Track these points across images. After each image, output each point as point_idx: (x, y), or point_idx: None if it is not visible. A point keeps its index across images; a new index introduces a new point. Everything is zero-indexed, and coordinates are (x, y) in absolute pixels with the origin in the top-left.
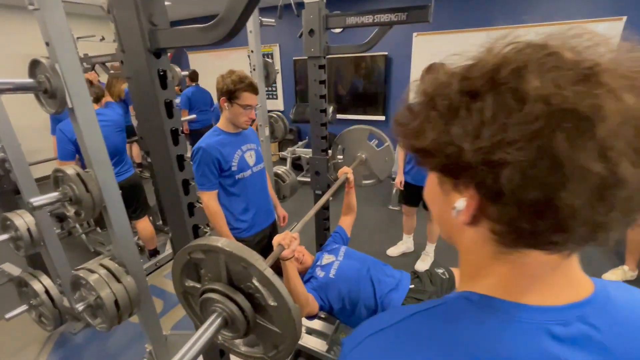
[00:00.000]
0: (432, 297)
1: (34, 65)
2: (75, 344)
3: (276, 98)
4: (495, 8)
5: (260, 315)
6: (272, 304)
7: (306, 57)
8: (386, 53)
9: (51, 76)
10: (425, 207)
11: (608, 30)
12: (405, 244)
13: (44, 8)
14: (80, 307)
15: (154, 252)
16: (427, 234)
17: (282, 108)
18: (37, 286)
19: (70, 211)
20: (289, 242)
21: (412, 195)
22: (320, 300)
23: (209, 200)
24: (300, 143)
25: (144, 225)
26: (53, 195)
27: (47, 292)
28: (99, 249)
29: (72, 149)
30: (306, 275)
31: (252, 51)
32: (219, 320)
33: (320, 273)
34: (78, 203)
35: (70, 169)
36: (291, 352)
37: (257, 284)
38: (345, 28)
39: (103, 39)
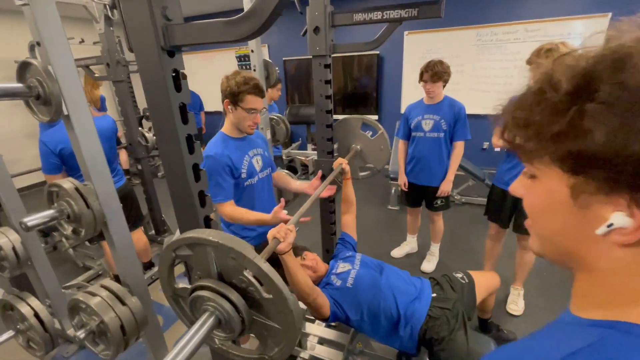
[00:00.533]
0: (456, 304)
1: (24, 67)
2: None
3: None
4: (485, 6)
5: (256, 311)
6: (267, 296)
7: (295, 58)
8: (378, 52)
9: (44, 80)
10: (428, 206)
11: (593, 27)
12: (410, 244)
13: (34, 3)
14: (81, 334)
15: (149, 265)
16: (431, 233)
17: None
18: (24, 309)
19: (68, 230)
20: (285, 234)
21: (415, 195)
22: (335, 308)
23: (226, 209)
24: (293, 145)
25: (138, 236)
26: (48, 213)
27: (36, 315)
28: (89, 263)
29: (56, 162)
30: (321, 283)
31: (252, 51)
32: (211, 320)
33: (336, 281)
34: (77, 220)
35: (67, 182)
36: (292, 348)
37: (248, 276)
38: (353, 25)
39: (82, 41)
